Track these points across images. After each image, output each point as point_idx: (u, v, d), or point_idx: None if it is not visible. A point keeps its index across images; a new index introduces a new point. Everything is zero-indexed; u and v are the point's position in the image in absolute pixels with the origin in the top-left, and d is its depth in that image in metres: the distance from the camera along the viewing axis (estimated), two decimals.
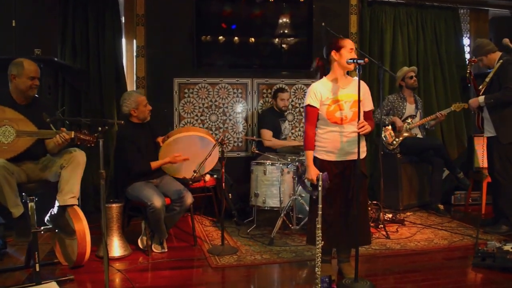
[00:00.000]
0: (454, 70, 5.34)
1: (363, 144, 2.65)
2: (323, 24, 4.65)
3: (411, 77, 4.53)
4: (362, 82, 2.59)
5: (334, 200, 2.65)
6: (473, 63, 3.78)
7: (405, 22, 5.20)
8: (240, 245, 3.44)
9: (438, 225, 3.97)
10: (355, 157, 2.58)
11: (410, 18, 5.23)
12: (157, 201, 3.10)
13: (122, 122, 2.64)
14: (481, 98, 3.65)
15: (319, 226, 2.39)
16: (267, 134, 4.35)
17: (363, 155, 2.65)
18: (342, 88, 2.66)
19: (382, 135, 4.53)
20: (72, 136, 2.57)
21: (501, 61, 3.62)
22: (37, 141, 2.69)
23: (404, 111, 4.52)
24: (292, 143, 4.41)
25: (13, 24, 3.88)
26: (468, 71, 3.80)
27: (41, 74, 2.81)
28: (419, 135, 4.60)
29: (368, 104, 2.71)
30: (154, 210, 3.10)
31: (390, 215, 4.13)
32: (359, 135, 2.54)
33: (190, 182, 3.24)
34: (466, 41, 5.59)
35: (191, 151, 3.38)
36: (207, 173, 3.82)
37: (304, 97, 4.96)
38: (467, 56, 5.54)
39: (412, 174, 4.62)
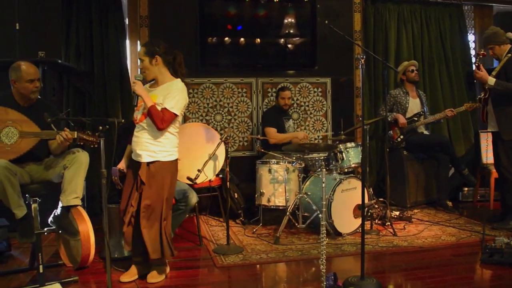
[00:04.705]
0: (460, 66, 5.28)
1: (155, 147, 2.63)
2: (326, 22, 4.63)
3: (412, 71, 4.50)
4: (172, 83, 2.67)
5: (132, 199, 2.69)
6: (481, 56, 3.70)
7: (409, 19, 5.16)
8: (245, 244, 3.42)
9: (445, 222, 3.92)
10: (140, 159, 2.65)
11: (414, 15, 5.19)
12: None
13: (123, 121, 2.64)
14: (491, 80, 3.56)
15: (323, 223, 2.37)
16: (271, 131, 4.33)
17: (148, 158, 2.63)
18: (151, 89, 2.73)
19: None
20: (75, 136, 2.56)
21: (509, 54, 3.57)
22: (40, 142, 2.69)
23: (407, 105, 4.49)
24: (296, 134, 4.36)
25: (17, 27, 3.90)
26: (476, 65, 3.73)
27: (45, 76, 2.82)
28: (425, 132, 4.55)
29: (167, 103, 2.61)
30: None
31: (397, 213, 4.09)
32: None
33: (195, 182, 3.22)
34: (471, 37, 5.54)
35: (196, 142, 3.37)
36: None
37: (309, 95, 5.00)
38: (473, 52, 5.49)
39: (418, 171, 4.57)
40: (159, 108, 2.59)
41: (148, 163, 2.63)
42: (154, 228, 2.64)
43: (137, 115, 2.68)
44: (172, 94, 2.61)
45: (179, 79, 2.72)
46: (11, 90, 2.75)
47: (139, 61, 2.71)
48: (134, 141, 2.70)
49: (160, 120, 2.55)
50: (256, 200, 3.88)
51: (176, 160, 2.74)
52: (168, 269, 2.85)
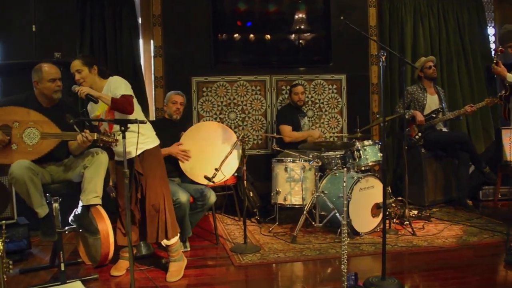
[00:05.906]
0: (479, 60, 5.16)
1: (139, 139, 2.66)
2: (341, 17, 4.57)
3: (430, 67, 4.41)
4: (108, 81, 2.75)
5: (137, 193, 2.82)
6: (500, 53, 3.63)
7: (425, 13, 5.07)
8: (262, 243, 3.41)
9: (466, 221, 3.84)
10: (130, 156, 2.61)
11: (431, 9, 5.09)
12: (183, 196, 3.11)
13: (145, 121, 2.64)
14: (510, 77, 3.49)
15: (344, 222, 2.34)
16: (286, 129, 4.30)
17: (138, 151, 2.67)
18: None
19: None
20: (95, 138, 2.58)
21: None
22: (61, 143, 2.71)
23: (425, 102, 4.41)
24: (311, 133, 4.34)
25: (33, 29, 3.96)
26: (494, 61, 3.66)
27: (61, 77, 2.84)
28: (444, 129, 4.47)
29: (119, 92, 2.68)
30: (179, 205, 3.09)
31: (415, 212, 4.03)
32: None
33: (213, 182, 3.20)
34: (491, 30, 5.40)
35: (212, 140, 3.38)
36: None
37: (324, 92, 4.95)
38: (493, 46, 5.36)
39: (437, 169, 4.49)
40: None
41: (139, 155, 2.74)
42: (161, 211, 2.77)
43: (105, 127, 2.76)
44: (115, 85, 2.72)
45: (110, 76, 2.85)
46: (34, 92, 2.78)
47: (76, 73, 2.74)
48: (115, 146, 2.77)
49: (128, 104, 2.65)
50: (272, 199, 3.86)
51: (159, 145, 2.91)
52: (185, 263, 2.89)
